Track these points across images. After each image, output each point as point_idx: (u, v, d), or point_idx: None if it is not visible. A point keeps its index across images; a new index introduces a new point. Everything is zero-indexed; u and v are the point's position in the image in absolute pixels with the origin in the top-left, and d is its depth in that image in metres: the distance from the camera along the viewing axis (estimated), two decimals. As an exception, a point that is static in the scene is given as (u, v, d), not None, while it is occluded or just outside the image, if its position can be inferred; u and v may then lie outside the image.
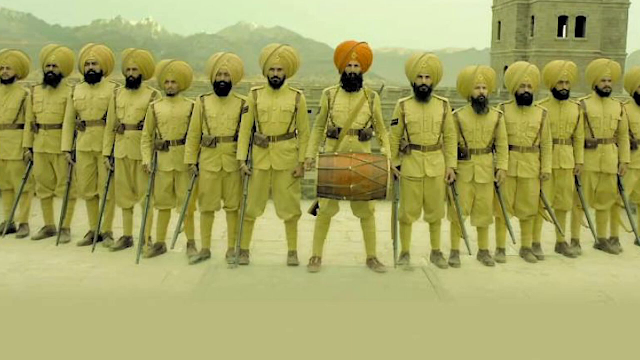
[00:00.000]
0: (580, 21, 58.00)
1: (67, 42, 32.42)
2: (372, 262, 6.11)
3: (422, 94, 5.94)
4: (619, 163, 6.64)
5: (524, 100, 6.20)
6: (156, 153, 6.19)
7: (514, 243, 6.39)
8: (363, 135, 5.85)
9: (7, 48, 6.93)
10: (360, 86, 5.85)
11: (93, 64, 6.41)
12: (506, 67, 12.19)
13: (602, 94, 6.61)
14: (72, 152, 6.54)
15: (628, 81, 6.85)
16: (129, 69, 6.27)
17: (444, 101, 6.05)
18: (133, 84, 6.29)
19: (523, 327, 4.53)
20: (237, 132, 6.01)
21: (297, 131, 6.03)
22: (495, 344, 4.22)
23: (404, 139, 6.05)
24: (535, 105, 6.31)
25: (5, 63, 6.69)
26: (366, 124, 5.85)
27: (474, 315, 4.91)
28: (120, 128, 6.27)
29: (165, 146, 6.12)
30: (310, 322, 4.58)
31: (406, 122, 6.00)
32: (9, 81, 6.74)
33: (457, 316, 4.90)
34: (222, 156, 6.03)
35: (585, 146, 6.54)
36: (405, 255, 6.23)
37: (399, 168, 6.08)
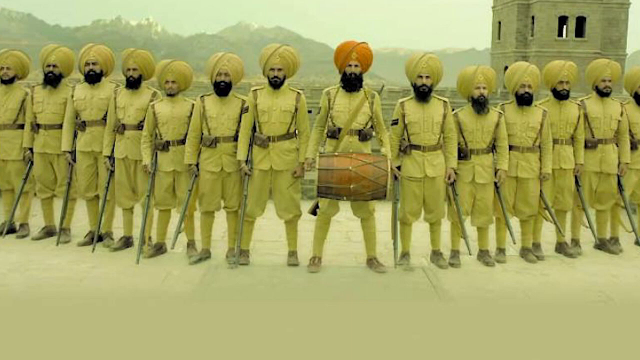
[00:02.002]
0: (580, 21, 58.02)
1: (67, 42, 32.42)
2: (372, 262, 6.11)
3: (422, 94, 5.94)
4: (619, 163, 6.65)
5: (524, 100, 6.20)
6: (156, 153, 6.19)
7: (514, 243, 6.40)
8: (363, 135, 5.86)
9: (7, 48, 6.93)
10: (360, 86, 5.85)
11: (93, 64, 6.41)
12: (506, 67, 12.19)
13: (602, 94, 6.61)
14: (72, 152, 6.55)
15: (628, 81, 6.86)
16: (129, 69, 6.27)
17: (444, 101, 6.06)
18: (133, 84, 6.30)
19: (523, 327, 4.53)
20: (237, 132, 6.01)
21: (297, 131, 6.04)
22: (495, 344, 4.21)
23: (404, 139, 6.06)
24: (535, 105, 6.32)
25: (5, 63, 6.69)
26: (366, 124, 5.86)
27: (474, 315, 4.91)
28: (120, 128, 6.27)
29: (165, 146, 6.13)
30: (310, 322, 4.57)
31: (406, 122, 6.00)
32: (9, 81, 6.74)
33: (457, 316, 4.90)
34: (222, 156, 6.04)
35: (585, 146, 6.55)
36: (405, 255, 6.23)
37: (399, 168, 6.08)
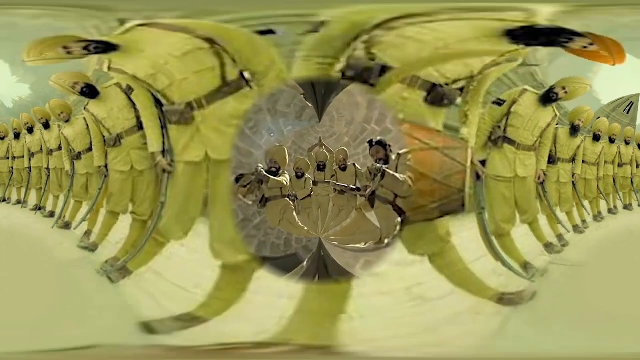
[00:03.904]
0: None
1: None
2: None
3: None
4: None
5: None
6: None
7: None
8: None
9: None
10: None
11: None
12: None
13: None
14: None
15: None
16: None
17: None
18: None
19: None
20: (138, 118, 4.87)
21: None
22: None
23: (499, 127, 5.34)
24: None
25: None
26: None
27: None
28: None
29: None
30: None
31: (512, 110, 5.31)
32: None
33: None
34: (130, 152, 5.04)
35: None
36: (526, 266, 4.96)
37: (482, 163, 5.07)
